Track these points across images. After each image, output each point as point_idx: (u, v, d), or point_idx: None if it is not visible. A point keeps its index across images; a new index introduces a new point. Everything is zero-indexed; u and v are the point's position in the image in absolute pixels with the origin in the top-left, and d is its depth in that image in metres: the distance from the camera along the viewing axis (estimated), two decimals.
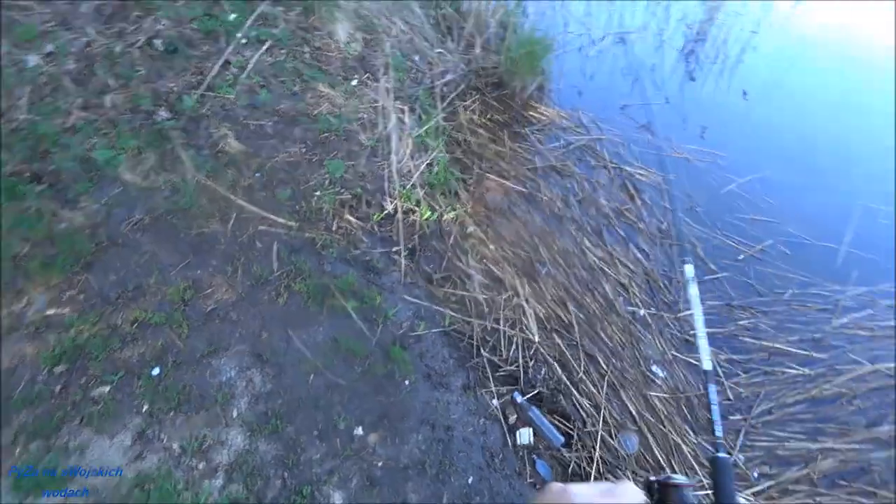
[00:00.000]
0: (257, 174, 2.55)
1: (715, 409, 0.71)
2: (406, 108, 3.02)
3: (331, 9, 3.46)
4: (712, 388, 0.76)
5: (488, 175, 3.05)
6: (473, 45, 3.75)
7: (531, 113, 3.59)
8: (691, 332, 2.09)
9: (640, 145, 3.42)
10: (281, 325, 2.02)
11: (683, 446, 1.97)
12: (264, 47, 3.11)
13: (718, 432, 0.69)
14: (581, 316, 2.36)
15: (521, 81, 3.61)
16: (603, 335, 2.31)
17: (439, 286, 2.39)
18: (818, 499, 1.90)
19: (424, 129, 2.90)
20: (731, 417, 2.13)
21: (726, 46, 4.60)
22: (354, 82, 3.20)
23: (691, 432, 2.04)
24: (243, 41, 3.10)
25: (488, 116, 3.47)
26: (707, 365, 0.77)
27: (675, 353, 2.30)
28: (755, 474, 1.96)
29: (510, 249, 2.62)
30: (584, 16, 4.79)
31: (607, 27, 4.69)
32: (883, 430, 2.13)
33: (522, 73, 3.57)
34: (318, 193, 2.53)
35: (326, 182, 2.60)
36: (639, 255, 2.72)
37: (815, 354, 2.39)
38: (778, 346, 2.39)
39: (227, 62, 2.98)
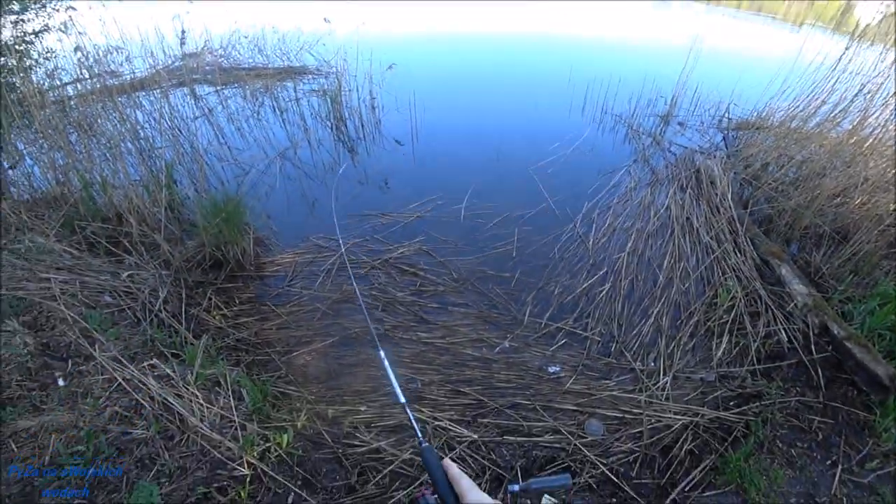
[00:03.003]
0: None
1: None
2: (147, 365, 2.31)
3: None
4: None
5: (294, 351, 2.72)
6: (156, 244, 3.18)
7: (270, 270, 3.36)
8: None
9: (379, 230, 3.74)
10: None
11: None
12: None
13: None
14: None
15: (238, 248, 3.31)
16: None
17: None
18: None
19: (196, 371, 2.31)
20: None
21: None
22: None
23: None
24: None
25: (236, 300, 3.05)
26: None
27: None
28: None
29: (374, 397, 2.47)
30: (232, 151, 4.76)
31: (260, 152, 4.82)
32: None
33: (234, 241, 3.28)
34: None
35: None
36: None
37: None
38: None
39: None
